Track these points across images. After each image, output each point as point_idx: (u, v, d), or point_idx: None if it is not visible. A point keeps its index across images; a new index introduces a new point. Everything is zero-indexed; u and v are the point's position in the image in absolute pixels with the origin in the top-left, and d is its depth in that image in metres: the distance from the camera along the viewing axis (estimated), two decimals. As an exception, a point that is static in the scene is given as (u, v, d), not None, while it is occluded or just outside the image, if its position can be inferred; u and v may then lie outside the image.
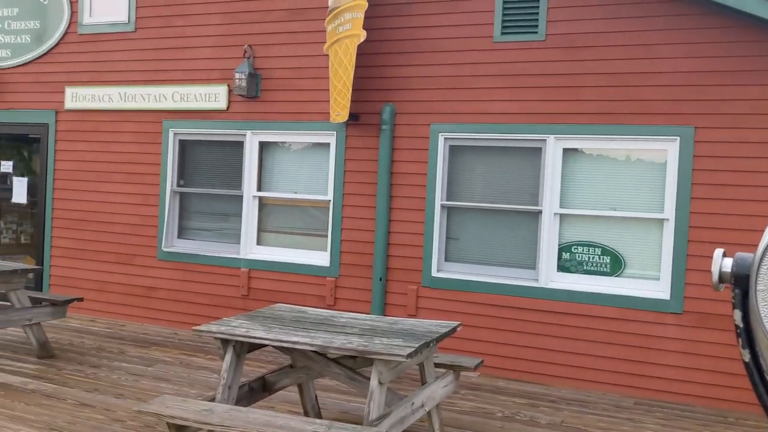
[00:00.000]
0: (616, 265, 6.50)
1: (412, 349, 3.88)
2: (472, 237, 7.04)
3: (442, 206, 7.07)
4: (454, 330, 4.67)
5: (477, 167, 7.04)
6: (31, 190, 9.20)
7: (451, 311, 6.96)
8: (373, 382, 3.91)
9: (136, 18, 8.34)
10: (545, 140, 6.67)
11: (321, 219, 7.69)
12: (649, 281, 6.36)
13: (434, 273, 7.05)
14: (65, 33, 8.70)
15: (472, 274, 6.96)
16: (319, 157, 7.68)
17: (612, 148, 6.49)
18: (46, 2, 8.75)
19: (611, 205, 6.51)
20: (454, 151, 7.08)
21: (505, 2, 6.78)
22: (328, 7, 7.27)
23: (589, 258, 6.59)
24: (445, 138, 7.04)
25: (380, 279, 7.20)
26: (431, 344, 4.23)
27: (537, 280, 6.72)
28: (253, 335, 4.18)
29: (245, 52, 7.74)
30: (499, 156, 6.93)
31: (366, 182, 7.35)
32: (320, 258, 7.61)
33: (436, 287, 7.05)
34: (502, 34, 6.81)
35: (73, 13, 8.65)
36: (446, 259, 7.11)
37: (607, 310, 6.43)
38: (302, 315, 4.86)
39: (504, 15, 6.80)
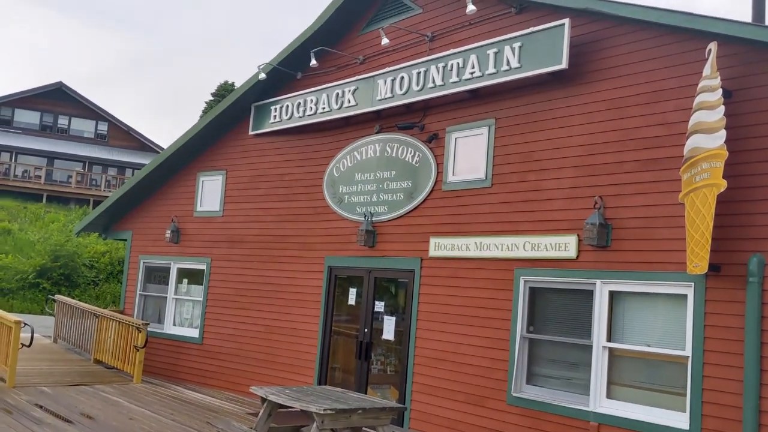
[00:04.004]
0: None
1: None
2: None
3: (830, 373, 6.09)
4: None
5: None
6: (398, 328, 10.26)
7: None
8: None
9: (493, 175, 9.11)
10: None
11: (678, 376, 7.15)
12: None
13: (823, 452, 6.00)
14: (432, 190, 9.84)
15: None
16: (674, 309, 7.27)
17: None
18: (417, 165, 10.09)
19: None
20: (843, 308, 6.13)
21: None
22: (682, 157, 7.10)
23: None
24: (829, 293, 6.17)
25: (752, 452, 6.35)
26: None
27: None
28: None
29: (596, 203, 7.86)
30: None
31: (731, 339, 6.71)
32: (678, 419, 7.01)
33: (826, 470, 5.96)
34: None
35: (439, 173, 9.80)
36: (839, 437, 6.02)
37: None
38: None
39: None
